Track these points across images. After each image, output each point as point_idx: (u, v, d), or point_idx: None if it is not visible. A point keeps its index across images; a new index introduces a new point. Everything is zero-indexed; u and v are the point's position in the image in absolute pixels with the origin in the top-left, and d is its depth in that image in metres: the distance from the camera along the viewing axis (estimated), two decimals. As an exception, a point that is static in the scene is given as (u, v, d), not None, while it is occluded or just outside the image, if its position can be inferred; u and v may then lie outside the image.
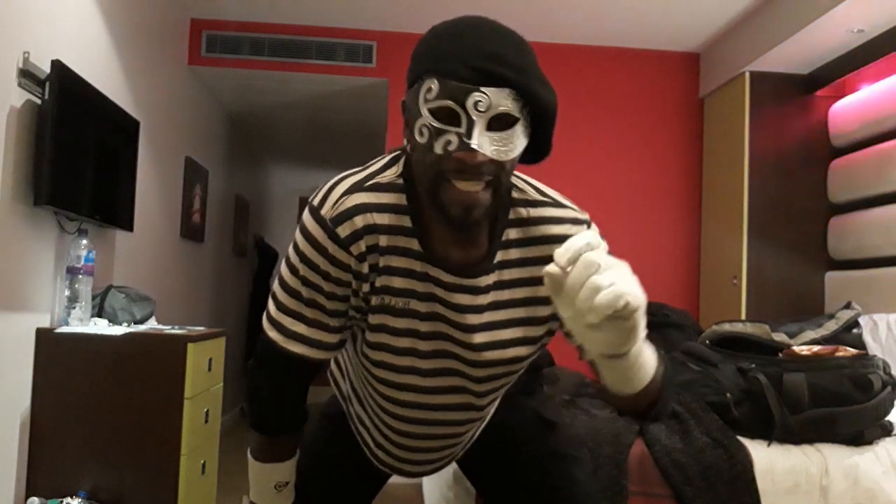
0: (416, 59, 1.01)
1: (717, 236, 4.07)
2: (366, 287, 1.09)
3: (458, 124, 0.96)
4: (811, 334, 2.39)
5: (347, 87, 4.38)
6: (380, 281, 1.09)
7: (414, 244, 1.08)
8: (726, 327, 2.45)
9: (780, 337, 2.34)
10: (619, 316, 0.80)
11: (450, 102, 0.96)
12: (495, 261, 1.10)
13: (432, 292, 1.10)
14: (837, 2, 2.98)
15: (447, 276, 1.09)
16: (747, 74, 3.77)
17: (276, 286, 1.13)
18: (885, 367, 2.16)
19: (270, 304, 1.14)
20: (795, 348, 2.25)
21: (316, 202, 1.07)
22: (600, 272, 0.80)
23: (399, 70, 4.09)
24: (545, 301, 1.10)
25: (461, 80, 0.95)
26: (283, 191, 7.87)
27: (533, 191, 1.14)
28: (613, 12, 3.81)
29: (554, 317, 1.13)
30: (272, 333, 1.12)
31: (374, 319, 1.11)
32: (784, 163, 3.78)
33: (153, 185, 3.53)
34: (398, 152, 1.13)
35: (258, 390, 1.20)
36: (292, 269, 1.09)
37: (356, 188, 1.07)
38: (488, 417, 1.34)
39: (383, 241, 1.07)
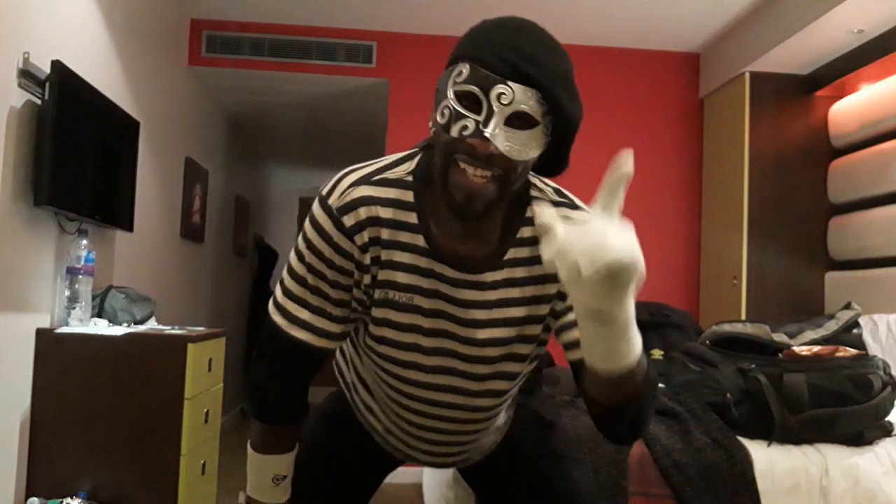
0: (458, 45, 1.05)
1: (717, 236, 4.07)
2: (367, 279, 1.11)
3: (479, 112, 0.99)
4: (811, 334, 2.40)
5: (347, 88, 4.38)
6: (382, 274, 1.10)
7: (419, 240, 1.10)
8: (726, 328, 2.45)
9: (780, 337, 2.34)
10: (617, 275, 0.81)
11: (475, 88, 0.99)
12: (506, 257, 1.12)
13: (437, 289, 1.11)
14: (837, 2, 2.98)
15: (452, 272, 1.10)
16: (747, 75, 3.77)
17: (284, 272, 1.16)
18: (885, 367, 2.16)
19: (277, 290, 1.16)
20: (795, 348, 2.25)
21: (325, 192, 1.10)
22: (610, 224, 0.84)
23: (399, 70, 4.12)
24: (547, 300, 1.13)
25: (491, 69, 0.98)
26: (283, 191, 7.86)
27: (551, 191, 1.16)
28: (613, 12, 3.81)
29: (552, 315, 1.15)
30: (277, 318, 1.15)
31: (377, 313, 1.13)
32: (784, 163, 3.78)
33: (153, 185, 3.53)
34: (415, 150, 1.16)
35: (261, 377, 1.21)
36: (299, 256, 1.12)
37: (363, 181, 1.10)
38: (500, 417, 1.33)
39: (385, 234, 1.09)
